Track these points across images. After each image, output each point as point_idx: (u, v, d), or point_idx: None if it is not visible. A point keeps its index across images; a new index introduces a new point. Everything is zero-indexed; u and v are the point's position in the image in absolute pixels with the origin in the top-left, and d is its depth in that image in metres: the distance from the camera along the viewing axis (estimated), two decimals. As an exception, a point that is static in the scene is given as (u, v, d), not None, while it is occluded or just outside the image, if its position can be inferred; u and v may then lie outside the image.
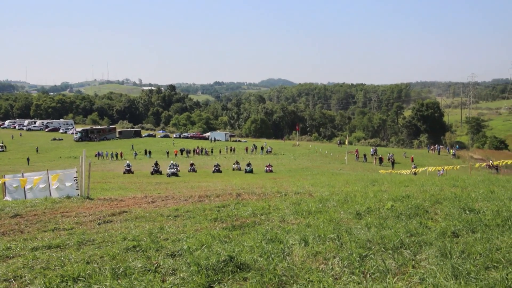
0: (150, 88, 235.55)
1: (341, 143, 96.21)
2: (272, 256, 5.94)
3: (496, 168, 49.11)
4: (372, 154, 72.83)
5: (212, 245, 6.80)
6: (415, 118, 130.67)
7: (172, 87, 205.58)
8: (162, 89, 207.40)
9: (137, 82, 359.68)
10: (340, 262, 5.48)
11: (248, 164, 47.74)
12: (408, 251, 5.80)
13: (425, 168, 43.45)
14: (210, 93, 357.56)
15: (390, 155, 66.07)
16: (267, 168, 46.57)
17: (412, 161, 60.37)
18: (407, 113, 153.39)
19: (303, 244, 6.52)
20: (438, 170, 41.69)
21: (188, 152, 77.80)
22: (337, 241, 6.52)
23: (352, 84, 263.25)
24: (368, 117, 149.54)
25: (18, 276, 5.71)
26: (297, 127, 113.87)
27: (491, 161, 50.47)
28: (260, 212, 10.11)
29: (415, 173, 38.04)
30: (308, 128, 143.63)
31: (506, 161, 38.27)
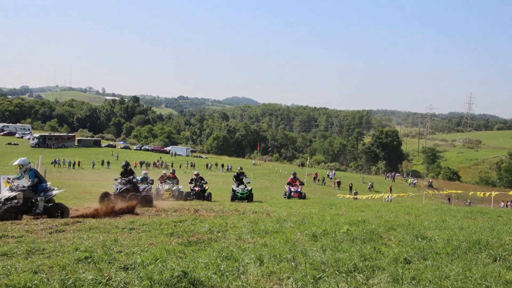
0: (113, 98, 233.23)
1: (302, 165, 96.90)
2: (227, 274, 5.89)
3: (449, 198, 50.40)
4: (330, 178, 73.57)
5: (166, 260, 6.70)
6: (374, 145, 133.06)
7: (135, 99, 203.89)
8: (126, 100, 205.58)
9: (100, 91, 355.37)
10: (294, 283, 5.48)
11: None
12: (361, 275, 5.85)
13: (382, 194, 44.17)
14: (174, 107, 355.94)
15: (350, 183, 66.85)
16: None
17: (350, 188, 60.67)
18: (367, 139, 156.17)
19: (258, 263, 6.50)
20: (387, 196, 42.84)
21: (148, 164, 77.07)
22: (292, 262, 6.52)
23: (315, 108, 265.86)
24: (329, 141, 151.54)
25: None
26: (258, 146, 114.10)
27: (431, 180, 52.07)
28: (217, 229, 10.04)
29: (355, 198, 39.04)
30: (270, 148, 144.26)
31: (457, 191, 39.36)
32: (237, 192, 23.75)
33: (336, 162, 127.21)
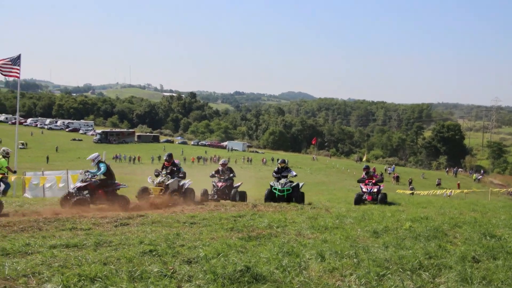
0: (171, 94, 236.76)
1: (360, 159, 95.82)
2: (289, 269, 5.93)
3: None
4: (389, 173, 72.43)
5: (228, 254, 6.80)
6: (435, 139, 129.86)
7: (192, 95, 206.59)
8: (183, 96, 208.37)
9: (158, 87, 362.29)
10: (357, 280, 5.45)
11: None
12: (427, 273, 5.75)
13: (445, 190, 43.08)
14: (230, 103, 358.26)
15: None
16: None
17: (410, 183, 59.15)
18: (427, 133, 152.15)
19: (319, 259, 6.50)
20: (447, 192, 41.45)
21: (205, 160, 78.04)
22: (354, 259, 6.49)
23: (372, 102, 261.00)
24: (387, 136, 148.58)
25: (36, 273, 5.74)
26: (314, 141, 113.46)
27: None
28: (276, 224, 10.09)
29: (412, 194, 37.51)
30: (326, 143, 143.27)
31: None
32: (275, 189, 17.06)
33: (395, 157, 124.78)
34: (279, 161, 18.91)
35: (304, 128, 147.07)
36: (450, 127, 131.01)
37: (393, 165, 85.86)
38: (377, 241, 8.06)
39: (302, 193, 17.47)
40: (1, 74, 20.73)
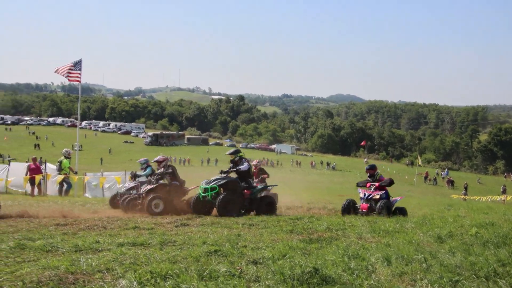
0: (219, 97, 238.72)
1: (411, 163, 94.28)
2: (356, 272, 5.90)
3: None
4: (443, 177, 70.93)
5: (293, 256, 6.82)
6: (491, 143, 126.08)
7: (241, 98, 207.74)
8: (231, 98, 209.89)
9: (207, 90, 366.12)
10: (429, 285, 5.37)
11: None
12: (503, 281, 5.60)
13: (501, 196, 41.81)
14: (278, 105, 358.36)
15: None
16: None
17: (465, 188, 57.42)
18: (483, 137, 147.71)
19: (385, 263, 6.43)
20: (502, 198, 40.05)
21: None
22: (423, 263, 6.40)
23: (424, 104, 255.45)
24: (440, 139, 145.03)
25: (110, 269, 5.92)
26: (363, 142, 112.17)
27: None
28: (335, 227, 10.05)
29: (464, 199, 36.41)
30: (376, 147, 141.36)
31: None
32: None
33: (448, 161, 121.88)
34: (367, 167, 14.76)
35: (353, 131, 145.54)
36: (508, 130, 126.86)
37: (446, 169, 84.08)
38: (442, 246, 7.90)
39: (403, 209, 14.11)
40: (67, 78, 21.46)
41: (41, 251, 7.05)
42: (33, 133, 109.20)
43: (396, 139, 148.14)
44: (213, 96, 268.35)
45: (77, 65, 21.28)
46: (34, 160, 20.77)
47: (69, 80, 21.72)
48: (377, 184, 13.81)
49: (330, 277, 5.63)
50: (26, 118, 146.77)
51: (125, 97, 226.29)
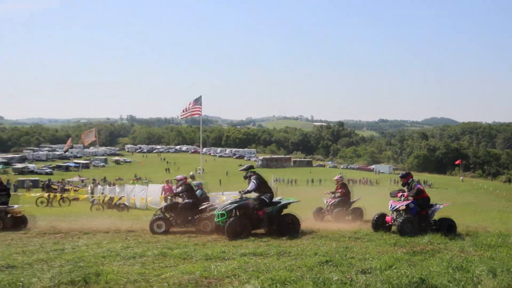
0: (321, 123, 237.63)
1: (508, 181, 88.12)
2: (462, 283, 5.64)
3: None
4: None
5: (399, 267, 6.65)
6: None
7: (340, 124, 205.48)
8: (332, 124, 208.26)
9: (309, 118, 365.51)
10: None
11: None
12: None
13: None
14: (374, 129, 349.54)
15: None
16: None
17: None
18: None
19: (491, 275, 6.08)
20: None
21: (354, 181, 76.95)
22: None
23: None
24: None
25: (236, 275, 6.10)
26: (458, 161, 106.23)
27: None
28: (437, 241, 9.60)
29: None
30: (472, 165, 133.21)
31: None
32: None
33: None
34: (400, 175, 12.36)
35: (448, 151, 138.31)
36: None
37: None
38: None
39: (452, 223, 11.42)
40: (190, 114, 22.54)
41: (179, 258, 7.42)
42: (164, 159, 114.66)
43: (491, 158, 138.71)
44: (315, 123, 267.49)
45: (198, 101, 22.29)
46: (167, 182, 22.02)
47: (192, 115, 22.78)
48: (406, 194, 11.43)
49: (436, 287, 5.44)
50: (158, 146, 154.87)
51: (238, 126, 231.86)
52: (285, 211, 11.99)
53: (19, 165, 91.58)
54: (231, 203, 11.65)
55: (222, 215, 11.12)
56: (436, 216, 11.52)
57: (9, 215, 13.27)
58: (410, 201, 11.07)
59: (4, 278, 6.05)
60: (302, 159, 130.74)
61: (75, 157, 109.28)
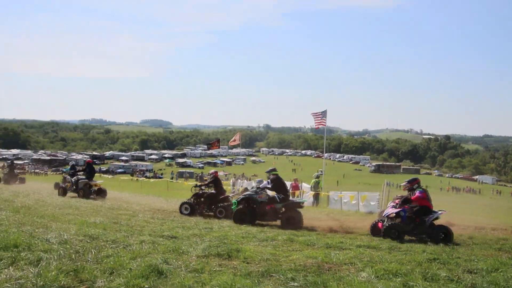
0: (429, 136, 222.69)
1: None
2: None
3: None
4: None
5: (505, 270, 5.95)
6: None
7: (447, 137, 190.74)
8: (439, 138, 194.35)
9: (419, 131, 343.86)
10: None
11: None
12: None
13: None
14: (479, 144, 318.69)
15: None
16: None
17: None
18: None
19: None
20: None
21: (458, 190, 70.90)
22: None
23: None
24: None
25: (352, 263, 5.93)
26: None
27: None
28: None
29: None
30: None
31: None
32: None
33: None
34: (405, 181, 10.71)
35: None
36: None
37: None
38: None
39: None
40: (315, 125, 22.56)
41: (304, 244, 7.41)
42: (291, 161, 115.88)
43: None
44: (424, 136, 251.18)
45: (324, 114, 22.22)
46: (296, 180, 22.13)
47: (316, 127, 22.76)
48: (397, 200, 9.97)
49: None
50: (287, 150, 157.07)
51: (355, 136, 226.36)
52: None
53: (180, 160, 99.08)
54: (244, 195, 11.60)
55: (235, 203, 11.30)
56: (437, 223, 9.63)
57: (93, 188, 16.60)
58: (400, 209, 9.63)
59: (170, 245, 6.51)
60: (411, 167, 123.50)
61: (222, 155, 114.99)
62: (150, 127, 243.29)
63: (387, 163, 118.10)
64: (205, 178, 37.07)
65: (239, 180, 39.28)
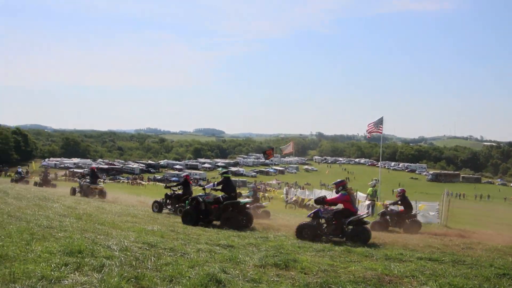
0: (490, 143, 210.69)
1: None
2: None
3: None
4: None
5: None
6: None
7: (510, 144, 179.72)
8: (502, 145, 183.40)
9: (479, 138, 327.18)
10: None
11: None
12: None
13: None
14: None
15: None
16: None
17: None
18: None
19: None
20: None
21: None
22: None
23: None
24: None
25: (414, 276, 5.68)
26: None
27: None
28: None
29: None
30: None
31: None
32: None
33: None
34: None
35: None
36: None
37: None
38: None
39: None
40: (368, 134, 22.03)
41: (361, 255, 7.19)
42: (345, 169, 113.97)
43: None
44: (485, 143, 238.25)
45: (380, 121, 21.64)
46: (350, 189, 21.57)
47: (368, 137, 22.23)
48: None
49: None
50: (340, 158, 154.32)
51: (411, 144, 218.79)
52: None
53: (233, 169, 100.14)
54: (193, 196, 12.22)
55: (186, 203, 12.25)
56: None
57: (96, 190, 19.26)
58: (317, 209, 10.02)
59: (226, 253, 6.56)
60: (471, 175, 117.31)
61: (274, 164, 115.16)
62: (203, 136, 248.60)
63: (445, 172, 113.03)
64: (258, 187, 37.22)
65: (292, 189, 39.13)
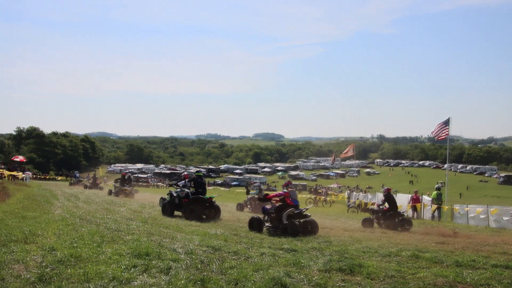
0: None
1: None
2: None
3: None
4: None
5: None
6: None
7: None
8: None
9: None
10: None
11: None
12: None
13: None
14: None
15: None
16: None
17: None
18: None
19: None
20: None
21: None
22: None
23: None
24: None
25: (490, 285, 5.31)
26: None
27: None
28: None
29: None
30: None
31: None
32: None
33: None
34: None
35: None
36: None
37: None
38: None
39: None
40: (436, 137, 21.04)
41: (430, 261, 6.87)
42: (408, 172, 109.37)
43: None
44: None
45: (447, 122, 20.59)
46: (416, 192, 20.72)
47: (439, 139, 21.22)
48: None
49: None
50: (403, 161, 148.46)
51: (479, 145, 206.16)
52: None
53: (293, 172, 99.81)
54: (170, 192, 14.01)
55: (167, 197, 13.89)
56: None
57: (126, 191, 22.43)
58: (264, 205, 11.51)
59: (290, 258, 6.54)
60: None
61: (335, 167, 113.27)
62: (263, 141, 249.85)
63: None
64: (319, 191, 36.84)
65: (354, 193, 38.24)
